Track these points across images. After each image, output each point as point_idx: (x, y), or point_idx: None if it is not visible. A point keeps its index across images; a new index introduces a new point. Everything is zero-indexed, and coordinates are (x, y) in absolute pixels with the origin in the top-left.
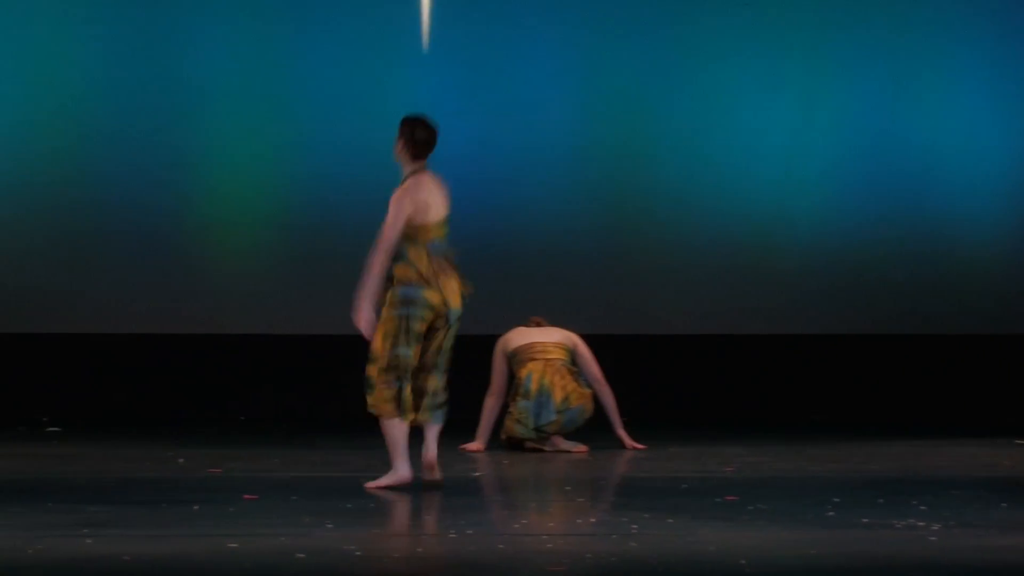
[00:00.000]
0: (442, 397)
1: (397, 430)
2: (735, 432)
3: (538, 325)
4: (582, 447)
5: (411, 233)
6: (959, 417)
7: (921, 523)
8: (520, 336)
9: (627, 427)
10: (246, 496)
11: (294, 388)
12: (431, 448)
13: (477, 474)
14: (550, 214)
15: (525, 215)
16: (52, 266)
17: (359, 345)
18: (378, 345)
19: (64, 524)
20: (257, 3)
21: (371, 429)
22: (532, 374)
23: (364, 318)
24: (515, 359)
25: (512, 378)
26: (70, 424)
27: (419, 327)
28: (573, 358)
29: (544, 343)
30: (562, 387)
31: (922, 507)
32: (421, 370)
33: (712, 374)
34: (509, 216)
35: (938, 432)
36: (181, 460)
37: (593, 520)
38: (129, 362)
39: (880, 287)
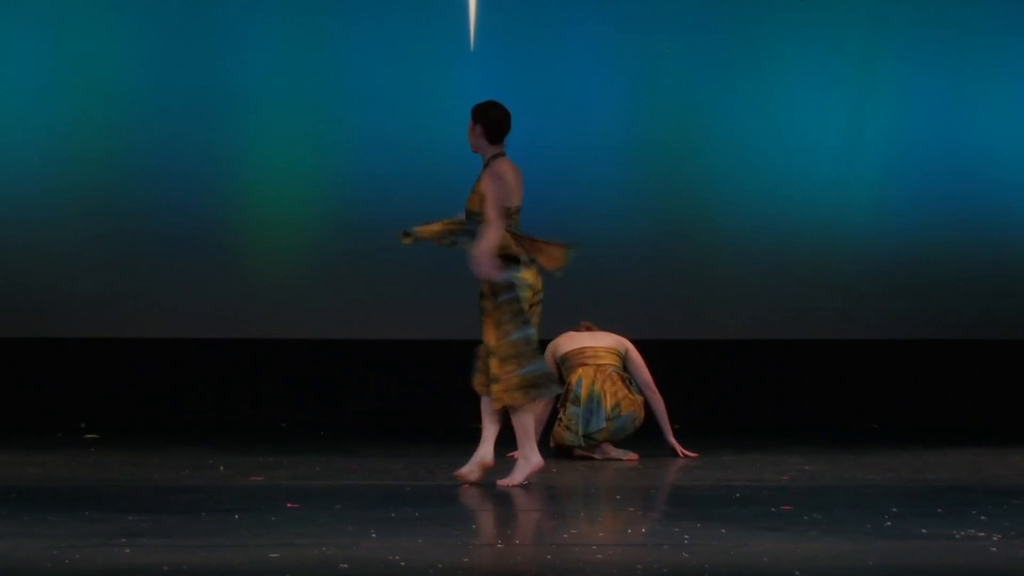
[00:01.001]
0: None
1: (526, 418)
2: (790, 440)
3: (588, 330)
4: (632, 455)
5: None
6: (1020, 424)
7: (981, 533)
8: (570, 341)
9: (679, 435)
10: (288, 505)
11: (337, 394)
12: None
13: (525, 483)
14: (600, 216)
15: (574, 217)
16: (91, 269)
17: (403, 350)
18: (491, 338)
19: (102, 533)
20: (302, 3)
21: (413, 436)
22: (582, 380)
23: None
24: (565, 364)
25: (562, 383)
26: (108, 430)
27: (526, 307)
28: (624, 363)
29: (595, 348)
30: (612, 393)
31: (982, 517)
32: None
33: (767, 380)
34: (557, 218)
35: (999, 440)
36: (222, 468)
37: (644, 530)
38: (169, 367)
39: (938, 290)
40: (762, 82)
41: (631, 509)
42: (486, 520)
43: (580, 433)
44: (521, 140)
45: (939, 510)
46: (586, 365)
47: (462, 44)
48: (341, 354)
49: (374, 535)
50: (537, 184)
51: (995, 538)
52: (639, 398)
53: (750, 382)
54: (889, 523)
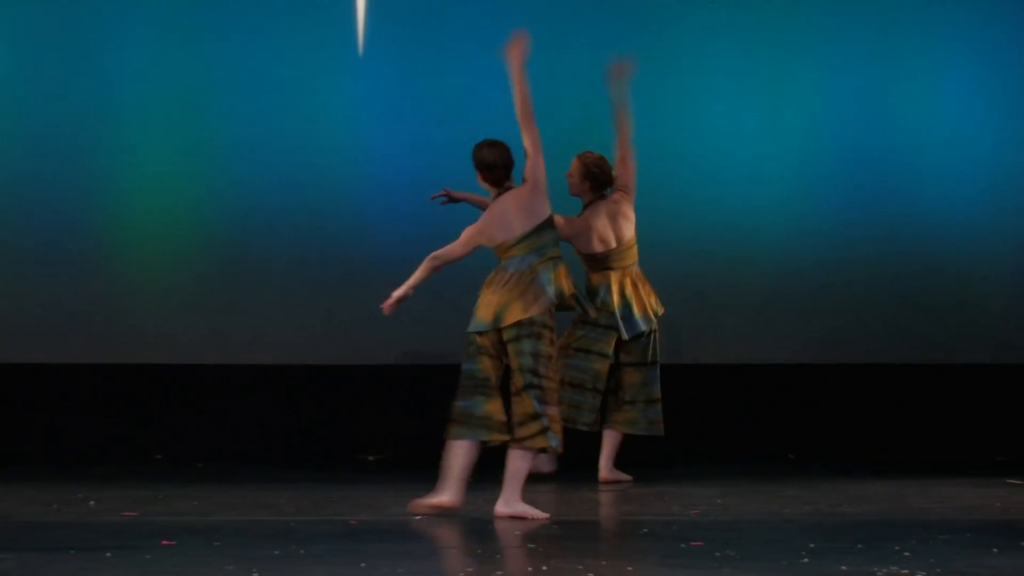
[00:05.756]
0: (530, 426)
1: (453, 452)
2: (701, 471)
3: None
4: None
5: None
6: (946, 454)
7: (905, 571)
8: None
9: (579, 469)
10: (164, 542)
11: (216, 422)
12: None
13: (418, 517)
14: None
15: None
16: None
17: (286, 375)
18: None
19: None
20: (183, 3)
21: (299, 467)
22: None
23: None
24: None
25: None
26: None
27: (478, 340)
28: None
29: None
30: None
31: (906, 553)
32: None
33: (675, 408)
34: (452, 230)
35: (923, 470)
36: (92, 502)
37: (545, 568)
38: (34, 394)
39: (858, 310)
40: (669, 88)
41: (531, 545)
42: (377, 558)
43: (626, 336)
44: (412, 145)
45: (859, 546)
46: (612, 269)
47: (350, 48)
48: (220, 380)
49: (256, 573)
50: (427, 189)
51: None
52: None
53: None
54: (806, 559)
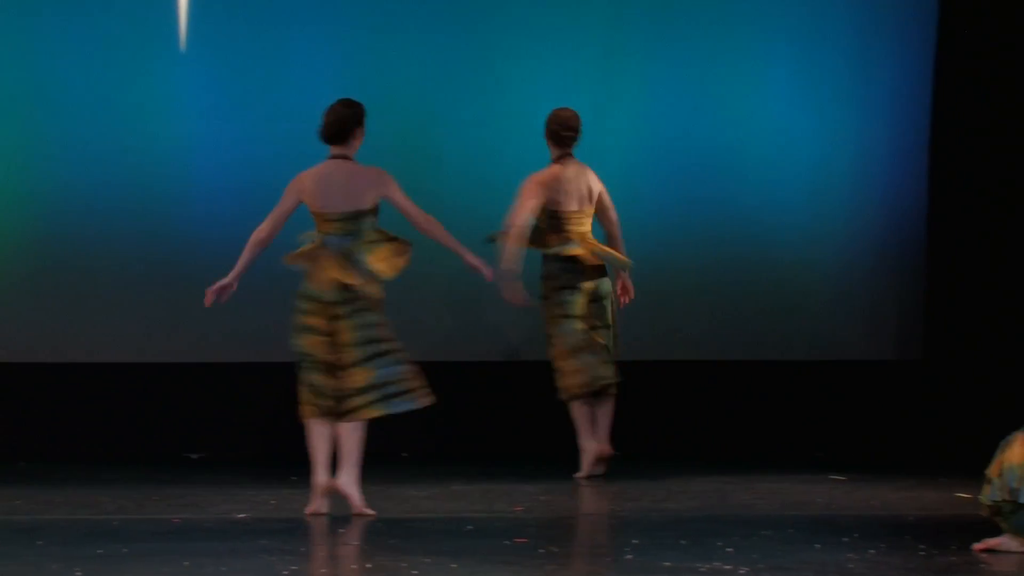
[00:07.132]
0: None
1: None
2: (524, 468)
3: None
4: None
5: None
6: (769, 450)
7: (727, 566)
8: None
9: (404, 466)
10: None
11: (36, 421)
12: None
13: (241, 515)
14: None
15: (297, 227)
16: None
17: (103, 373)
18: None
19: None
20: None
21: (120, 465)
22: None
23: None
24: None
25: None
26: None
27: (303, 320)
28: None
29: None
30: None
31: (728, 549)
32: (341, 367)
33: (495, 404)
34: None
35: (746, 466)
36: None
37: (369, 565)
38: None
39: (677, 306)
40: (491, 86)
41: (355, 543)
42: (201, 556)
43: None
44: (237, 145)
45: (683, 541)
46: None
47: (171, 43)
48: (41, 378)
49: (79, 574)
50: (252, 191)
51: (742, 571)
52: None
53: (478, 406)
54: (630, 556)
